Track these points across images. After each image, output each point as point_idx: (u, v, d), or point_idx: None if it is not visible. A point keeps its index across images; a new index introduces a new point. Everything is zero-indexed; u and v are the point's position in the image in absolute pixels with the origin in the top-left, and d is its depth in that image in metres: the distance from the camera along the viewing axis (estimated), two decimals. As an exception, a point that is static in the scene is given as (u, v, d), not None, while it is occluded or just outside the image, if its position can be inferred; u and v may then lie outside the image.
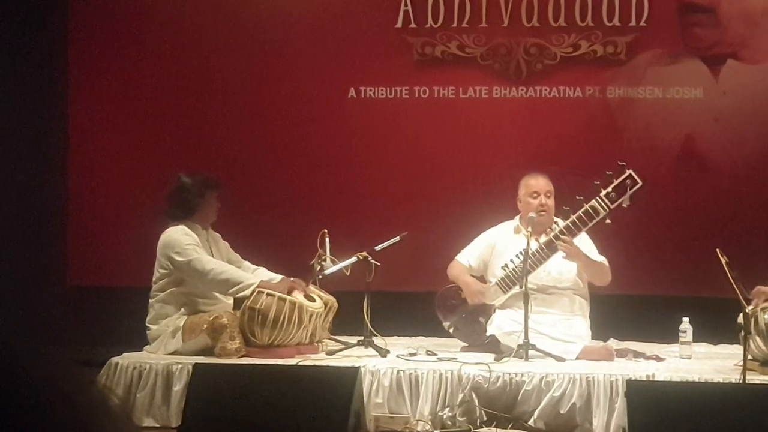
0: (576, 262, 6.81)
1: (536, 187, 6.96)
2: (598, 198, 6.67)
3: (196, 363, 5.97)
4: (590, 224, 6.70)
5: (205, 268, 6.69)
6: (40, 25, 8.56)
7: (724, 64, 8.04)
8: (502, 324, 6.78)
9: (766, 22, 8.01)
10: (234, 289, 6.71)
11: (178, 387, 6.32)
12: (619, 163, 6.75)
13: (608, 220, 6.68)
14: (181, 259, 6.71)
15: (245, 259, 7.13)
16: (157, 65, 8.54)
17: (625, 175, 6.68)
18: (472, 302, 6.98)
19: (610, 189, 6.67)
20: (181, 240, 6.74)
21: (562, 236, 6.68)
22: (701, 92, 8.05)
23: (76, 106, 8.61)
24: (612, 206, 6.65)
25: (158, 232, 6.88)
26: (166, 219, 6.88)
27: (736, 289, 6.06)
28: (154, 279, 6.86)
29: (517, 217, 7.11)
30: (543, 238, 6.78)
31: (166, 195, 6.97)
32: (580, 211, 6.67)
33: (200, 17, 8.52)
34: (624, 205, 6.67)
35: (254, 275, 6.88)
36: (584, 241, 6.93)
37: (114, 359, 6.50)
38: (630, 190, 6.65)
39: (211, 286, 6.77)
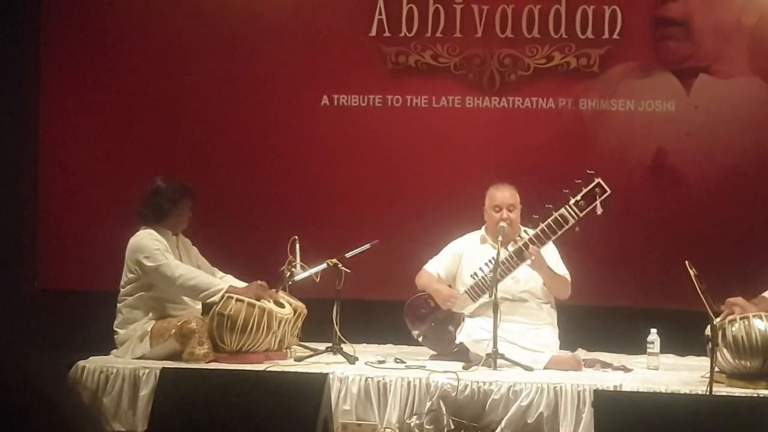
0: (539, 273, 6.83)
1: (498, 200, 6.98)
2: (567, 206, 6.68)
3: (163, 367, 5.93)
4: (559, 233, 6.71)
5: (174, 273, 6.67)
6: (12, 26, 8.53)
7: (696, 78, 8.08)
8: (472, 332, 6.78)
9: (738, 37, 8.05)
10: (203, 294, 6.69)
11: (145, 392, 6.29)
12: (588, 171, 6.77)
13: (577, 228, 6.69)
14: (150, 263, 6.69)
15: (214, 266, 7.11)
16: (131, 69, 8.52)
17: (594, 183, 6.69)
18: (445, 307, 6.98)
19: (579, 197, 6.69)
20: (150, 245, 6.72)
21: (531, 245, 6.69)
22: (673, 106, 8.09)
23: (48, 108, 8.58)
24: (581, 214, 6.67)
25: (129, 236, 6.86)
26: (137, 220, 6.86)
27: (705, 302, 6.08)
28: (122, 283, 6.83)
29: (483, 227, 7.13)
30: (512, 247, 6.80)
31: (140, 197, 6.95)
32: (549, 220, 6.69)
33: (174, 23, 8.50)
34: (598, 213, 6.68)
35: (222, 281, 6.86)
36: (550, 252, 6.95)
37: (81, 363, 6.47)
38: (599, 198, 6.67)
39: (180, 291, 6.75)
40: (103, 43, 8.55)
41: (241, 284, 6.91)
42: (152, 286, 6.76)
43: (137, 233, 6.81)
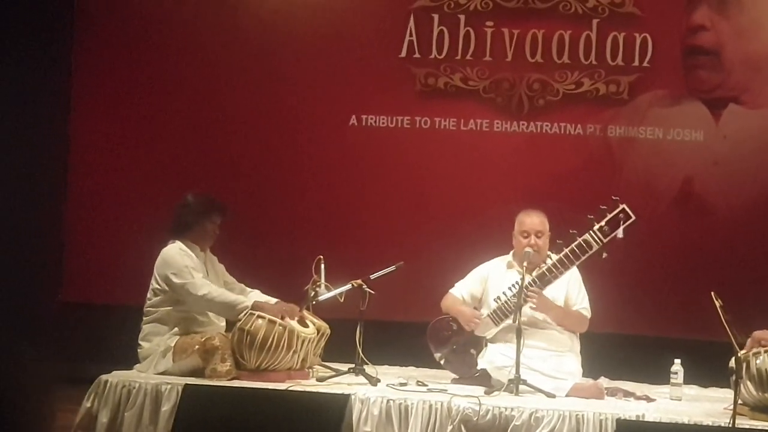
0: (546, 314, 6.80)
1: (527, 226, 6.95)
2: (591, 232, 6.65)
3: (186, 384, 5.91)
4: (583, 258, 6.67)
5: (198, 292, 6.66)
6: (44, 42, 8.58)
7: (726, 108, 8.07)
8: (494, 358, 6.76)
9: (769, 67, 8.04)
10: (228, 310, 6.69)
11: (166, 407, 6.28)
12: (613, 197, 6.73)
13: (605, 254, 6.64)
14: (177, 280, 6.69)
15: (241, 282, 7.12)
16: (161, 84, 8.57)
17: (619, 209, 6.66)
18: (468, 328, 6.95)
19: (603, 223, 6.65)
20: (178, 260, 6.72)
21: (530, 288, 6.66)
22: (702, 135, 8.08)
23: (77, 121, 8.63)
24: (605, 240, 6.63)
25: (155, 251, 6.86)
26: (166, 234, 6.86)
27: (729, 333, 6.04)
28: (149, 295, 6.82)
29: (511, 252, 7.11)
30: (536, 272, 6.77)
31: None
32: (573, 245, 6.65)
33: (206, 41, 8.54)
34: (619, 237, 6.64)
35: (248, 298, 6.86)
36: (574, 281, 6.92)
37: (103, 377, 6.46)
38: (623, 224, 6.63)
39: (205, 307, 6.75)
40: (132, 56, 8.60)
41: (269, 299, 6.91)
42: (178, 300, 6.77)
43: (167, 246, 6.81)
